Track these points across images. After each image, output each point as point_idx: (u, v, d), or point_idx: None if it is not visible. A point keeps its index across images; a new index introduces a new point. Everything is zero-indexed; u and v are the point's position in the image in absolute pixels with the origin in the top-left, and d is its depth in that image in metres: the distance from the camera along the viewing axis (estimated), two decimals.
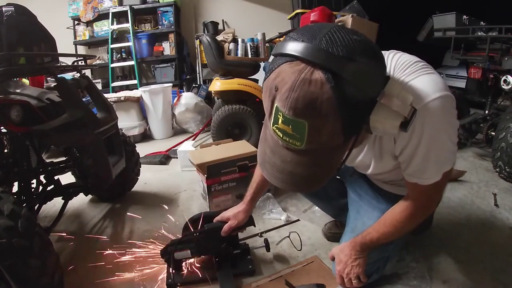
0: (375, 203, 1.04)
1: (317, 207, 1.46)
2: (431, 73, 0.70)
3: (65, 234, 1.42)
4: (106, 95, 1.84)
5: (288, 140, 0.57)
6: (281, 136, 0.57)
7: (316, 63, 0.51)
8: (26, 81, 1.98)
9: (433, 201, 0.87)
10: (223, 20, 4.33)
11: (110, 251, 1.25)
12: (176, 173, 2.23)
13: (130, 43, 4.07)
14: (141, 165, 1.86)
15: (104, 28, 4.20)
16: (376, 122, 0.58)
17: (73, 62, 1.51)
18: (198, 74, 4.17)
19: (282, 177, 0.62)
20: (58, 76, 1.22)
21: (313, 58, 0.51)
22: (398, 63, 0.73)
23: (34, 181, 1.35)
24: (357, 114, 0.56)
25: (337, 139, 0.55)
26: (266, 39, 2.68)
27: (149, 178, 2.10)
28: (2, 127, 1.20)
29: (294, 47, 0.53)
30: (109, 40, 4.07)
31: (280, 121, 0.55)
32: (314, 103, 0.50)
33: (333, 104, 0.50)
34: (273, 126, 0.58)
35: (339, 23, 2.41)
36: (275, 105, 0.55)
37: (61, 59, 2.11)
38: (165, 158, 2.49)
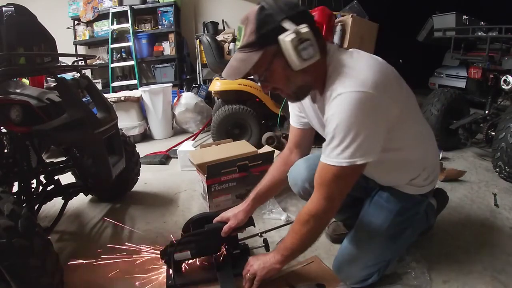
0: (384, 203, 1.03)
1: None
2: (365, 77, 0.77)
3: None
4: (106, 95, 1.84)
5: (239, 44, 0.84)
6: (238, 44, 0.85)
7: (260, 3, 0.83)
8: (26, 81, 1.98)
9: (331, 192, 0.84)
10: (223, 20, 4.33)
11: (110, 251, 1.25)
12: (176, 173, 2.23)
13: (130, 43, 4.07)
14: (141, 165, 1.86)
15: (104, 28, 4.19)
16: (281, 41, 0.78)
17: (73, 62, 1.51)
18: (198, 74, 4.17)
19: (227, 70, 0.84)
20: (58, 76, 1.22)
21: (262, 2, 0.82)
22: (344, 61, 0.82)
23: (34, 181, 1.35)
24: (266, 26, 0.79)
25: (251, 37, 0.80)
26: None
27: (149, 178, 2.10)
28: (2, 127, 1.20)
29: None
30: (109, 40, 4.07)
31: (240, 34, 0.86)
32: (248, 15, 0.82)
33: (253, 16, 0.81)
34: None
35: (340, 23, 2.40)
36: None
37: (61, 59, 2.11)
38: (165, 158, 2.49)
